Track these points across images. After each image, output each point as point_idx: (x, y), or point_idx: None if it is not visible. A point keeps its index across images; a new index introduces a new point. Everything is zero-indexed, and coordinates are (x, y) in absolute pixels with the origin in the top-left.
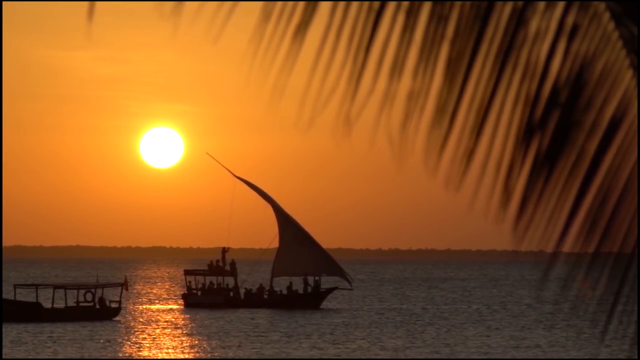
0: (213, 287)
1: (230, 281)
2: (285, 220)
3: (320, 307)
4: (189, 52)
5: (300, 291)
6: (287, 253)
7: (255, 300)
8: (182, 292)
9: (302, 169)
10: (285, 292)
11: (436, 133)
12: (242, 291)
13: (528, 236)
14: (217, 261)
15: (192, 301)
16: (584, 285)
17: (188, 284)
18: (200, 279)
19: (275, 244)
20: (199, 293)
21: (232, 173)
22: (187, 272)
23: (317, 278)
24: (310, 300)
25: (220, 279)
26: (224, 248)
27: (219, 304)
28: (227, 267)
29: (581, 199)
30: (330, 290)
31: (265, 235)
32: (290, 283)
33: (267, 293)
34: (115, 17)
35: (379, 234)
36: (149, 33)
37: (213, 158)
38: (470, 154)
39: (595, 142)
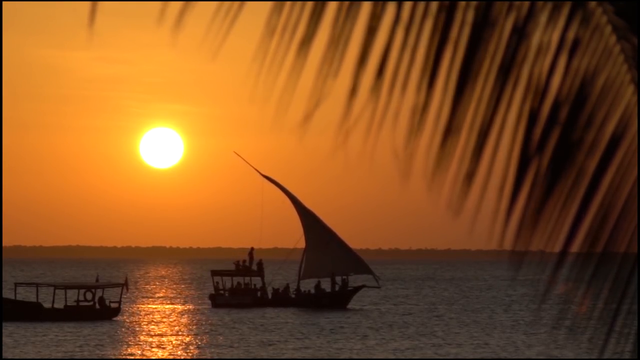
0: (240, 288)
1: (257, 281)
2: (311, 221)
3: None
4: (189, 53)
5: (328, 290)
6: (313, 256)
7: (283, 299)
8: (209, 293)
9: (302, 169)
10: (312, 291)
11: (437, 150)
12: (269, 291)
13: (527, 257)
14: (244, 261)
15: (219, 302)
16: (582, 303)
17: (215, 284)
18: (227, 279)
19: (300, 244)
20: (227, 294)
21: (259, 172)
22: (214, 273)
23: (344, 277)
24: (337, 299)
25: (247, 279)
26: (251, 248)
27: (247, 304)
28: (254, 267)
29: (581, 218)
30: (357, 289)
31: (291, 235)
32: (319, 282)
33: (294, 292)
34: (116, 18)
35: (379, 234)
36: (149, 33)
37: (241, 157)
38: (471, 173)
39: (596, 160)
